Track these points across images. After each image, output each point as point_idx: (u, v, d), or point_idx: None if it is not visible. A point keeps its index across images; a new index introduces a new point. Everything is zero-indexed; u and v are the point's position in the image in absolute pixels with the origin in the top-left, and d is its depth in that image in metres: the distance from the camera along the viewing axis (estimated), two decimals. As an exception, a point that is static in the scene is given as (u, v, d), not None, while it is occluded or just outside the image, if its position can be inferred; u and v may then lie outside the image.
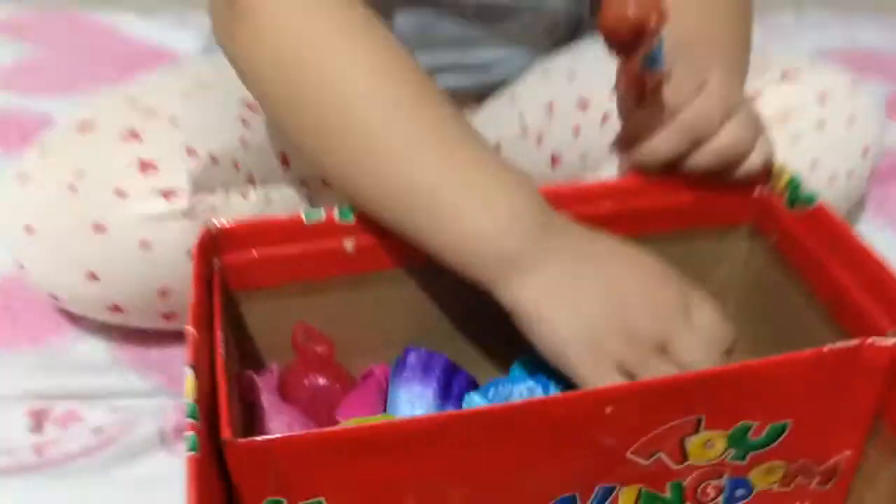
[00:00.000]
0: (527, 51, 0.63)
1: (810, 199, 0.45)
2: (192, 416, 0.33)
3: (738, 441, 0.38)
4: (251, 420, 0.42)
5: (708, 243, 0.50)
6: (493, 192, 0.39)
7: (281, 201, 0.55)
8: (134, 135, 0.49)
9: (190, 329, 0.36)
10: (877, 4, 0.95)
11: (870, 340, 0.37)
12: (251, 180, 0.53)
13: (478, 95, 0.64)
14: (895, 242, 0.62)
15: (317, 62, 0.41)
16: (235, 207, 0.51)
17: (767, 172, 0.46)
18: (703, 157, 0.43)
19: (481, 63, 0.62)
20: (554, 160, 0.62)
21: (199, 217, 0.49)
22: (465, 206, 0.39)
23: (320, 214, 0.43)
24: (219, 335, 0.38)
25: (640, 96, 0.43)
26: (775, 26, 0.89)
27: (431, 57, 0.58)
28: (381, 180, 0.41)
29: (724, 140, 0.43)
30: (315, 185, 0.58)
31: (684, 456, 0.38)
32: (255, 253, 0.43)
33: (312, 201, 0.57)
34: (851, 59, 0.83)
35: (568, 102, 0.59)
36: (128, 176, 0.48)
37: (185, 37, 0.84)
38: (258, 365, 0.45)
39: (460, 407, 0.44)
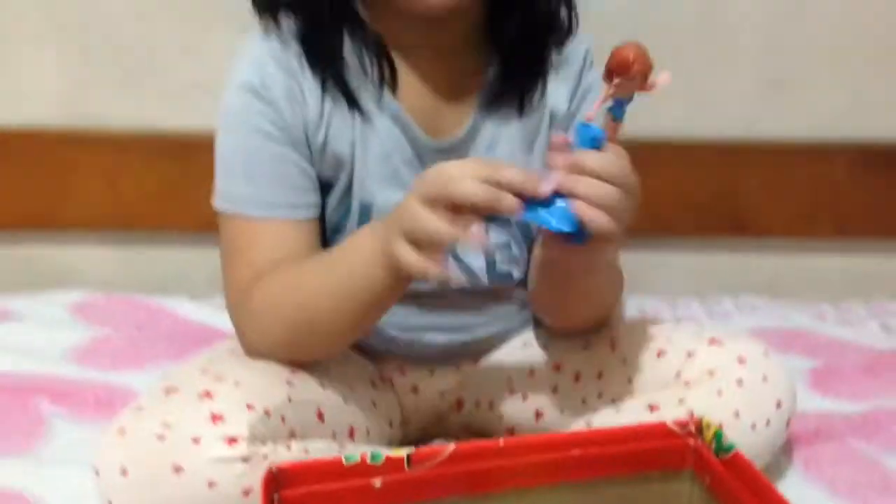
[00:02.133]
0: (504, 315, 0.82)
1: (730, 448, 0.59)
2: None
3: None
4: None
5: (658, 485, 0.63)
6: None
7: (315, 453, 0.69)
8: (208, 394, 0.64)
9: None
10: (804, 293, 1.14)
11: None
12: (293, 434, 0.68)
13: (472, 354, 0.82)
14: (821, 496, 0.74)
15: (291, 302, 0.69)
16: (281, 456, 0.65)
17: (699, 426, 0.61)
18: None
19: (465, 325, 0.81)
20: (538, 414, 0.78)
21: (254, 463, 0.63)
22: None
23: (356, 457, 0.57)
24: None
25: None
26: (717, 311, 1.07)
27: (419, 318, 0.79)
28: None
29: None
30: (341, 438, 0.73)
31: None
32: (307, 489, 0.56)
33: (340, 451, 0.71)
34: (783, 336, 0.99)
35: (545, 365, 0.77)
36: (202, 426, 0.62)
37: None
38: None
39: None
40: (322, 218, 0.77)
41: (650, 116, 1.05)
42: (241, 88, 0.75)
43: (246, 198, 0.74)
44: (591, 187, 0.60)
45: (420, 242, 0.61)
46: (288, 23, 0.75)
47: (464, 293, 0.81)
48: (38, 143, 1.07)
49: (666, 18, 1.07)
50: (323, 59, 0.74)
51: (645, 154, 1.02)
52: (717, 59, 1.09)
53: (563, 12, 0.77)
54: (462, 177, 0.60)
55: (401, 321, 0.80)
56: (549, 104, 0.78)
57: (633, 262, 1.10)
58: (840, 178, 1.11)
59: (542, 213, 0.61)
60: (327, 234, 0.78)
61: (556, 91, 0.78)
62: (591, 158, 0.61)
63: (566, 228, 0.61)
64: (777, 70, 1.10)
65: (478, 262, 0.79)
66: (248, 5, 0.84)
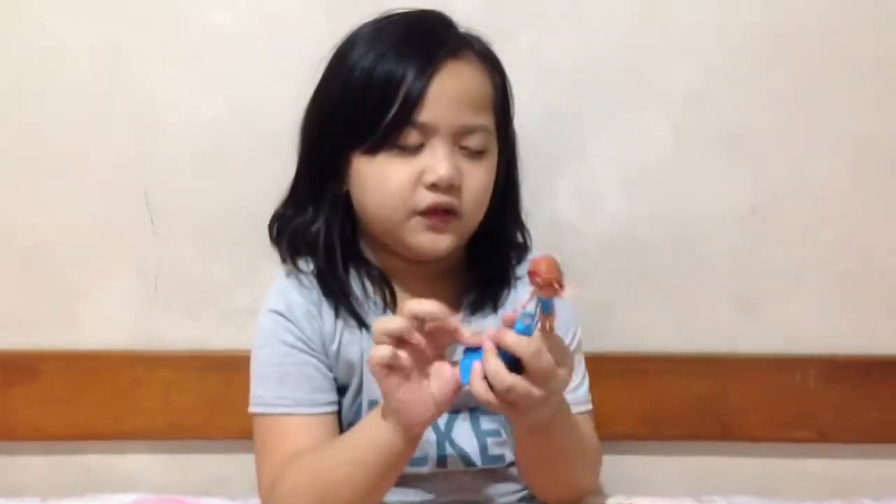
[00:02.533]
0: (503, 494, 0.96)
1: None
2: None
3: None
4: None
5: None
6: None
7: None
8: None
9: None
10: (792, 493, 1.23)
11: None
12: None
13: None
14: None
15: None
16: None
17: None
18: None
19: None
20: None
21: None
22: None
23: None
24: None
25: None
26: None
27: (420, 498, 0.94)
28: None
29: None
30: None
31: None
32: None
33: None
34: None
35: None
36: None
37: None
38: None
39: None
40: (339, 415, 0.91)
41: (641, 333, 1.21)
42: (271, 312, 0.95)
43: (275, 399, 0.91)
44: (490, 359, 0.74)
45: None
46: (307, 261, 0.96)
47: (462, 474, 0.93)
48: (106, 363, 1.21)
49: (645, 250, 1.22)
50: (335, 294, 0.94)
51: (638, 365, 1.18)
52: (695, 283, 1.23)
53: (519, 236, 1.01)
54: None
55: (402, 501, 0.92)
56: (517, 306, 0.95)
57: (631, 463, 1.23)
58: (814, 388, 1.22)
59: (464, 361, 0.78)
60: (343, 430, 0.92)
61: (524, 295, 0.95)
62: (511, 336, 0.75)
63: (462, 380, 0.77)
64: (749, 292, 1.23)
65: (471, 447, 0.92)
66: None
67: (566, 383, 0.79)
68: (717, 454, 1.25)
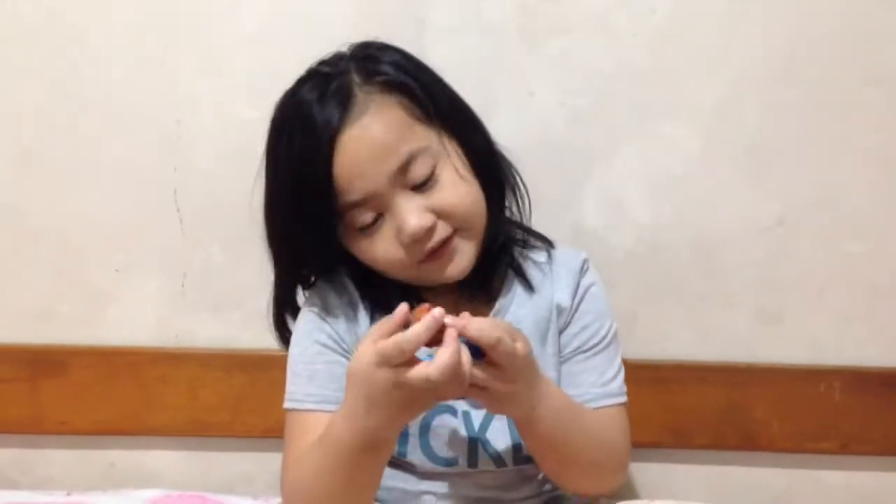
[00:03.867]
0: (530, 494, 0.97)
1: None
2: None
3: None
4: None
5: None
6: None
7: None
8: None
9: None
10: (811, 502, 1.23)
11: None
12: None
13: None
14: None
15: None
16: None
17: None
18: None
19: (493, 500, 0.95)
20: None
21: None
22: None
23: None
24: None
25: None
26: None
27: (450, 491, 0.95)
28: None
29: None
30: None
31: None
32: None
33: None
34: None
35: None
36: None
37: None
38: None
39: None
40: None
41: (665, 341, 1.22)
42: (308, 311, 0.97)
43: (304, 395, 0.94)
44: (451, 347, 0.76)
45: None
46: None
47: (492, 473, 0.94)
48: (133, 360, 1.23)
49: (670, 259, 1.23)
50: (372, 295, 0.96)
51: (662, 373, 1.19)
52: (719, 293, 1.23)
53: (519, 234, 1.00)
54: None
55: (433, 493, 0.94)
56: (555, 301, 0.97)
57: (654, 470, 1.23)
58: (838, 400, 1.21)
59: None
60: None
61: (560, 290, 0.97)
62: (474, 324, 0.78)
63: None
64: (773, 303, 1.23)
65: (505, 448, 0.93)
66: None
67: (527, 357, 0.81)
68: (739, 464, 1.25)
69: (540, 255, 1.02)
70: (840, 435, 1.23)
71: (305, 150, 0.88)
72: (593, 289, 1.00)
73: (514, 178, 1.00)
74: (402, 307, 0.78)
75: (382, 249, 0.90)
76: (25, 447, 1.25)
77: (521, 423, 0.88)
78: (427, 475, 0.96)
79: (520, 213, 1.03)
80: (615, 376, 0.99)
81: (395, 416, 0.79)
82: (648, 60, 1.20)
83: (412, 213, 0.88)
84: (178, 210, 1.23)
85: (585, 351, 0.98)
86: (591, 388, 0.97)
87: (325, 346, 0.95)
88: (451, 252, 0.91)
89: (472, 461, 0.96)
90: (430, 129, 0.90)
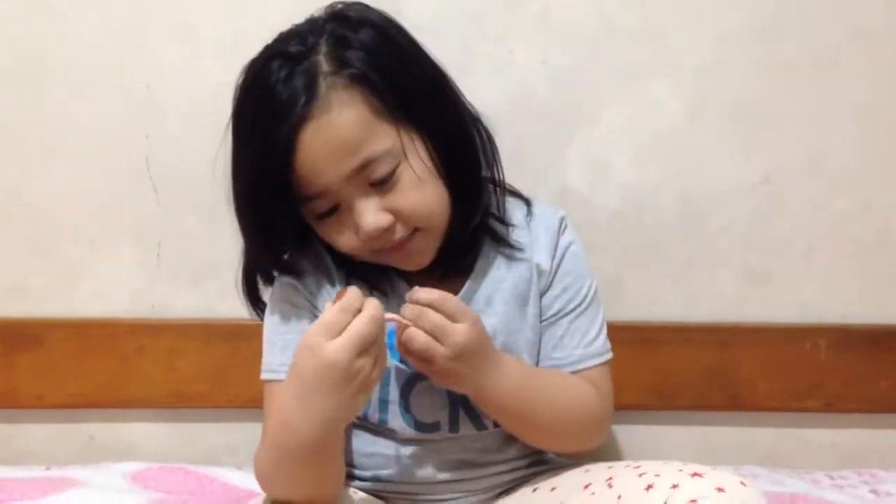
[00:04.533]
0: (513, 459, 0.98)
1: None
2: None
3: None
4: None
5: None
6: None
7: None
8: None
9: None
10: (801, 464, 1.22)
11: None
12: None
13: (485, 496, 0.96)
14: None
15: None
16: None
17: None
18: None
19: (473, 462, 0.96)
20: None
21: None
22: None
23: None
24: None
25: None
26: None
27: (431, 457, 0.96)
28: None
29: None
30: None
31: None
32: None
33: None
34: (782, 499, 1.06)
35: None
36: None
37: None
38: None
39: None
40: None
41: (651, 303, 1.20)
42: (282, 282, 0.96)
43: (278, 365, 0.92)
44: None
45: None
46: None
47: (474, 437, 0.93)
48: (109, 332, 1.20)
49: (655, 220, 1.21)
50: (346, 262, 0.94)
51: (648, 335, 1.17)
52: (705, 253, 1.22)
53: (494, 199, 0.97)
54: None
55: (415, 461, 0.94)
56: (535, 261, 0.95)
57: (640, 432, 1.23)
58: (823, 359, 1.21)
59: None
60: None
61: (540, 251, 0.96)
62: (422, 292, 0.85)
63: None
64: (759, 262, 1.22)
65: (439, 416, 0.95)
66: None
67: (471, 337, 0.85)
68: (726, 424, 1.24)
69: (517, 215, 1.00)
70: (825, 393, 1.23)
71: (267, 137, 0.84)
72: (573, 248, 0.99)
73: (491, 153, 0.96)
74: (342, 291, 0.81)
75: (342, 238, 0.89)
76: (1, 422, 1.23)
77: (472, 397, 0.91)
78: (409, 441, 0.95)
79: (496, 180, 0.98)
80: (597, 335, 0.98)
81: (340, 397, 0.79)
82: (632, 18, 1.17)
83: (368, 213, 0.86)
84: (151, 178, 1.20)
85: (568, 314, 0.97)
86: (575, 349, 0.97)
87: (299, 316, 0.94)
88: (409, 249, 0.90)
89: (454, 426, 0.95)
90: (394, 126, 0.86)
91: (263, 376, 0.94)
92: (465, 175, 0.91)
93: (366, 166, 0.85)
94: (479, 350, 0.86)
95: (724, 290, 1.23)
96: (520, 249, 0.97)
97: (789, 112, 1.20)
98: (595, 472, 0.89)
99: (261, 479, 0.89)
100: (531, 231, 0.99)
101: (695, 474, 0.80)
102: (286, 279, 0.96)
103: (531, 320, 0.97)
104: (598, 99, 1.19)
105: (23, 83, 1.17)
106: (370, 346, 0.77)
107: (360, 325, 0.77)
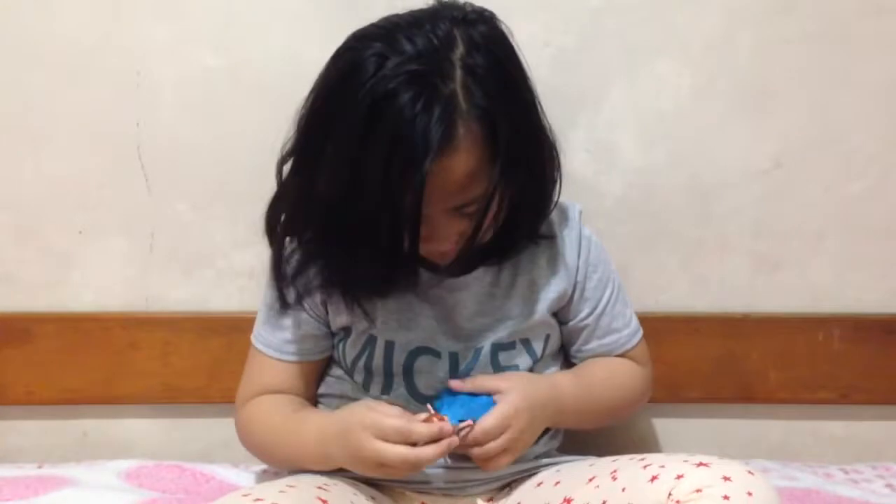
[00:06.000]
0: None
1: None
2: None
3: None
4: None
5: None
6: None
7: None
8: None
9: None
10: (813, 457, 1.19)
11: None
12: None
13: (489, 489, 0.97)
14: None
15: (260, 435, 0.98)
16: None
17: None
18: None
19: None
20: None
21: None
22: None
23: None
24: None
25: None
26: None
27: None
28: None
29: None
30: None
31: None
32: None
33: None
34: (795, 495, 1.04)
35: (558, 500, 0.87)
36: None
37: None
38: None
39: None
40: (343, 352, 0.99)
41: (659, 292, 1.17)
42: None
43: (267, 341, 1.00)
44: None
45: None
46: None
47: None
48: (101, 325, 1.17)
49: (662, 207, 1.18)
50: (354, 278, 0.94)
51: (656, 325, 1.14)
52: (714, 240, 1.18)
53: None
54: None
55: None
56: (566, 260, 1.00)
57: (649, 426, 1.19)
58: (837, 349, 1.18)
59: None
60: (346, 361, 0.98)
61: (567, 247, 1.00)
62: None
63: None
64: (770, 249, 1.19)
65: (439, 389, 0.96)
66: None
67: (524, 408, 0.90)
68: (735, 417, 1.21)
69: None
70: (839, 384, 1.19)
71: (396, 168, 0.80)
72: (594, 238, 1.02)
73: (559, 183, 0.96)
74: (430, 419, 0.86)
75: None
76: (-10, 418, 1.20)
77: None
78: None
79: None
80: (629, 319, 1.04)
81: (358, 469, 0.88)
82: (639, -3, 1.13)
83: (447, 241, 0.88)
84: (142, 166, 1.16)
85: (609, 302, 1.02)
86: (622, 334, 1.03)
87: (295, 303, 0.98)
88: (453, 258, 0.91)
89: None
90: (498, 170, 0.84)
91: (253, 342, 1.01)
92: (533, 219, 0.95)
93: (466, 205, 0.86)
94: (534, 403, 0.92)
95: (734, 278, 1.19)
96: (549, 238, 0.99)
97: (800, 91, 1.16)
98: (600, 466, 0.88)
99: (242, 443, 1.01)
100: (560, 234, 1.00)
101: (700, 464, 0.78)
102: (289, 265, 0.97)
103: (542, 307, 0.98)
104: (602, 78, 1.15)
105: (10, 70, 1.14)
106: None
107: (415, 456, 0.83)
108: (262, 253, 1.11)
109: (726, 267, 1.19)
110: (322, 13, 1.12)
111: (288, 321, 0.98)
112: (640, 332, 1.05)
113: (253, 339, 1.01)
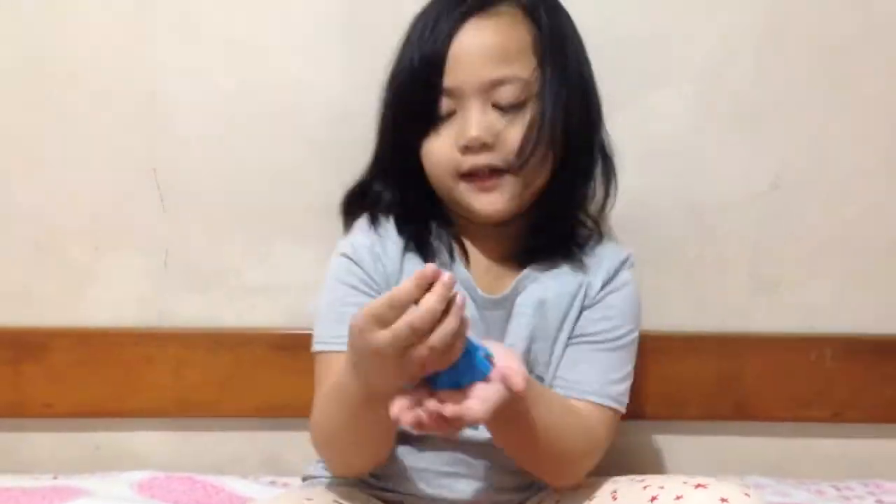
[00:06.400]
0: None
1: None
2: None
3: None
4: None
5: None
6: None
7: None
8: None
9: None
10: (807, 474, 1.22)
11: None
12: None
13: None
14: None
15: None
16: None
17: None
18: None
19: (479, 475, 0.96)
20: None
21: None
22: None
23: None
24: None
25: None
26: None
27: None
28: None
29: None
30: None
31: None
32: None
33: None
34: (789, 511, 1.08)
35: None
36: None
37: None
38: None
39: None
40: None
41: (658, 311, 1.20)
42: (338, 256, 0.97)
43: (331, 337, 0.94)
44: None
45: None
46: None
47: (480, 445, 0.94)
48: (116, 340, 1.20)
49: (662, 227, 1.21)
50: (408, 229, 0.97)
51: (655, 344, 1.17)
52: (713, 261, 1.21)
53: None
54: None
55: (422, 466, 0.95)
56: (588, 280, 0.96)
57: (648, 442, 1.23)
58: (830, 368, 1.21)
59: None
60: None
61: (595, 277, 0.97)
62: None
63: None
64: (767, 270, 1.22)
65: None
66: (302, 222, 1.05)
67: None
68: (732, 433, 1.24)
69: (586, 239, 1.02)
70: (833, 403, 1.22)
71: (436, 22, 0.91)
72: (629, 288, 0.99)
73: (609, 174, 1.03)
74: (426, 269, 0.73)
75: (438, 149, 0.93)
76: (8, 431, 1.23)
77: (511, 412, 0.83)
78: (417, 443, 0.97)
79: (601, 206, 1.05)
80: (619, 381, 0.96)
81: (387, 373, 0.76)
82: (636, 24, 1.17)
83: (478, 123, 0.90)
84: (157, 185, 1.19)
85: (595, 342, 0.96)
86: (591, 380, 0.95)
87: (354, 287, 0.95)
88: (493, 184, 0.92)
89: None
90: (542, 66, 0.92)
91: (315, 348, 0.96)
92: (576, 157, 0.96)
93: (501, 83, 0.90)
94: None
95: (732, 298, 1.22)
96: (580, 264, 0.98)
97: (796, 115, 1.19)
98: (599, 487, 0.90)
99: (317, 444, 0.92)
100: (596, 255, 1.00)
101: (699, 486, 0.80)
102: (343, 255, 0.97)
103: (563, 337, 0.97)
104: (604, 105, 1.17)
105: (29, 90, 1.17)
106: (423, 335, 0.71)
107: (404, 323, 0.71)
108: (273, 271, 1.17)
109: (724, 288, 1.22)
110: (330, 40, 1.15)
111: (352, 309, 0.88)
112: (615, 405, 0.95)
113: (315, 347, 0.96)
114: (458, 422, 0.73)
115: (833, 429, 1.24)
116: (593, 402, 0.94)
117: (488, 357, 0.77)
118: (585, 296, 0.97)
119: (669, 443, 1.24)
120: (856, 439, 1.24)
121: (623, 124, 1.17)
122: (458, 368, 0.75)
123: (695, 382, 1.21)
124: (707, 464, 1.22)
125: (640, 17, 1.17)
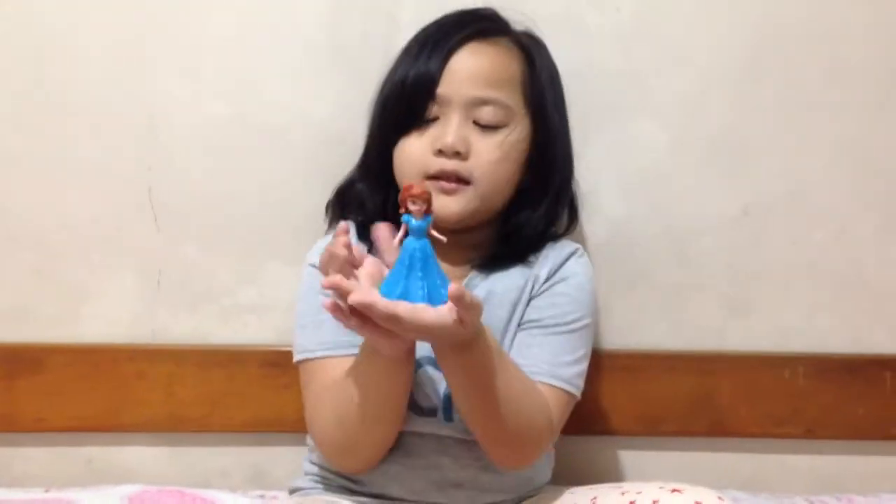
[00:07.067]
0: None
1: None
2: None
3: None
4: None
5: None
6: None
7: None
8: None
9: None
10: (781, 489, 1.26)
11: None
12: None
13: None
14: None
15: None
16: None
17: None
18: None
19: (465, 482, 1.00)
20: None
21: None
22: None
23: None
24: None
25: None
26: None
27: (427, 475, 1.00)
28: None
29: None
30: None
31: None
32: None
33: None
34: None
35: None
36: None
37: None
38: None
39: None
40: None
41: (636, 331, 1.24)
42: (308, 266, 1.03)
43: (315, 345, 0.99)
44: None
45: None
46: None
47: (463, 448, 0.97)
48: (109, 357, 1.22)
49: (641, 251, 1.25)
50: (367, 239, 1.01)
51: (633, 362, 1.21)
52: (689, 283, 1.26)
53: (565, 215, 1.08)
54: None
55: (402, 475, 0.99)
56: (533, 276, 1.02)
57: (624, 458, 1.26)
58: (802, 386, 1.25)
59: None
60: None
61: (542, 269, 1.02)
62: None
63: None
64: (740, 292, 1.26)
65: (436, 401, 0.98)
66: (293, 243, 1.10)
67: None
68: (707, 450, 1.28)
69: (541, 247, 1.07)
70: (805, 420, 1.26)
71: (438, 41, 1.01)
72: (579, 278, 1.04)
73: (573, 212, 1.12)
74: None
75: (415, 149, 1.00)
76: (1, 445, 1.24)
77: (456, 351, 0.86)
78: (403, 443, 1.00)
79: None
80: (571, 364, 0.99)
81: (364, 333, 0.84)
82: (614, 58, 1.22)
83: (455, 133, 0.98)
84: (152, 207, 1.23)
85: (545, 326, 1.00)
86: (541, 362, 0.97)
87: (328, 295, 0.94)
88: (454, 189, 0.99)
89: (448, 415, 0.99)
90: (525, 103, 1.03)
91: (297, 357, 1.01)
92: (543, 187, 1.05)
93: (485, 103, 1.00)
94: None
95: (707, 319, 1.26)
96: (529, 263, 1.04)
97: (768, 147, 1.24)
98: (580, 494, 0.95)
99: (321, 441, 0.98)
100: (544, 253, 1.06)
101: (674, 490, 0.85)
102: (312, 267, 1.02)
103: (513, 328, 1.02)
104: (584, 135, 1.22)
105: (28, 113, 1.21)
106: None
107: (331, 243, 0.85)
108: (264, 290, 1.20)
109: (700, 309, 1.26)
110: (321, 69, 1.21)
111: (328, 315, 0.86)
112: (569, 387, 0.98)
113: (298, 356, 1.01)
114: (368, 310, 0.79)
115: (806, 445, 1.27)
116: (545, 383, 0.97)
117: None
118: (533, 287, 1.03)
119: (646, 459, 1.28)
120: (828, 455, 1.28)
121: (604, 154, 1.23)
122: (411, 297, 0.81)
123: (671, 400, 1.25)
124: (683, 479, 1.21)
125: (621, 53, 1.23)
